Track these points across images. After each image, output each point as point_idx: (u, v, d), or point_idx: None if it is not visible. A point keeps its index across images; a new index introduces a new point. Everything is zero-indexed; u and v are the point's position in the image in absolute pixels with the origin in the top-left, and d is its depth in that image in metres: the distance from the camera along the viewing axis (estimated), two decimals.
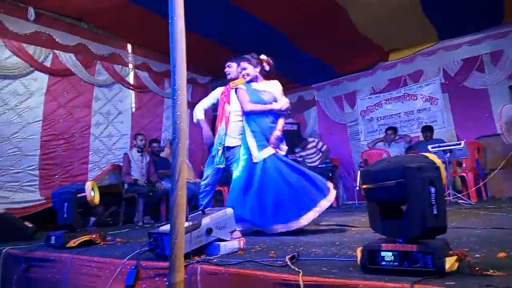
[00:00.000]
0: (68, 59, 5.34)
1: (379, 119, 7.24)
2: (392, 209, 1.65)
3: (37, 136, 5.01)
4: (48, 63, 5.15)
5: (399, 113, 7.04)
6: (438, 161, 1.56)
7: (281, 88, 3.49)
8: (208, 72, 7.48)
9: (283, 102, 3.40)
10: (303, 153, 6.88)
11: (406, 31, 6.18)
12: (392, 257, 1.52)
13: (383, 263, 1.54)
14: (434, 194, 1.48)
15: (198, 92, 7.08)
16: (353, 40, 6.13)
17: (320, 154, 6.70)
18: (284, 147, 3.44)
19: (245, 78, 3.50)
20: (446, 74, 6.59)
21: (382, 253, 1.54)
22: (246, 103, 3.37)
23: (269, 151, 3.26)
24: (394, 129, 6.49)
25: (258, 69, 3.46)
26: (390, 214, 1.65)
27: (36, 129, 5.01)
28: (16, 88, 4.85)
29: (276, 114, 3.38)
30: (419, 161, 1.53)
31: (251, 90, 3.43)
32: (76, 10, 5.17)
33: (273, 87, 3.46)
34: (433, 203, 1.48)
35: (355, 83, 7.56)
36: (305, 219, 3.09)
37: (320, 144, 6.78)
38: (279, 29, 5.73)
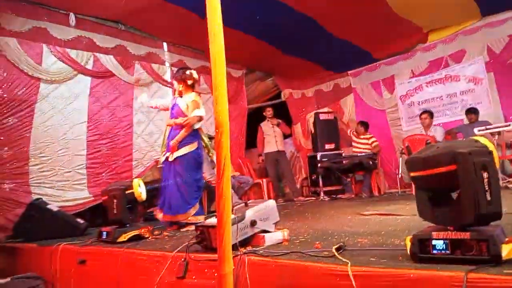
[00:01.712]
0: (108, 61, 5.53)
1: (420, 103, 6.97)
2: (442, 196, 1.61)
3: (83, 136, 5.24)
4: (90, 66, 5.36)
5: (441, 96, 6.74)
6: (490, 145, 1.50)
7: (195, 100, 3.85)
8: (242, 65, 7.51)
9: (188, 118, 3.75)
10: (354, 140, 6.89)
11: (445, 10, 5.89)
12: (444, 245, 1.48)
13: (435, 251, 1.50)
14: (487, 179, 1.43)
15: (232, 85, 7.14)
16: (389, 22, 5.92)
17: (369, 147, 6.63)
18: (184, 150, 3.76)
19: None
20: (491, 52, 6.22)
21: (433, 242, 1.51)
22: (167, 119, 4.09)
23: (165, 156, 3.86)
24: (429, 113, 6.24)
25: (181, 85, 3.93)
26: (440, 201, 1.60)
27: (82, 130, 5.24)
28: (62, 92, 5.08)
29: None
30: (470, 146, 1.48)
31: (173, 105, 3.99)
32: (114, 13, 5.33)
33: (184, 101, 3.88)
34: (486, 188, 1.43)
35: (393, 67, 7.30)
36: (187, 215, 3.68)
37: (373, 139, 6.71)
38: (311, 16, 5.63)
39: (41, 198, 4.55)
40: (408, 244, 1.61)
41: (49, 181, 4.86)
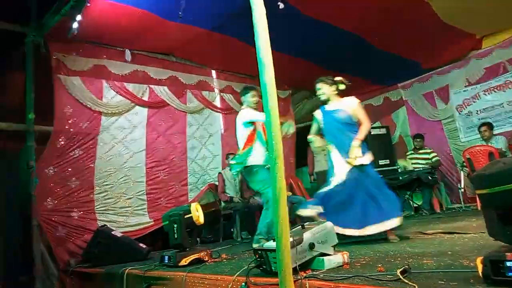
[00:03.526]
0: (162, 92, 5.85)
1: (479, 112, 6.61)
2: None
3: (142, 164, 5.53)
4: (146, 98, 5.70)
5: (502, 103, 6.35)
6: None
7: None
8: (288, 86, 7.58)
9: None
10: (412, 156, 6.68)
11: (498, 13, 5.60)
12: None
13: (510, 274, 1.41)
14: None
15: (280, 106, 7.09)
16: (438, 31, 5.72)
17: (429, 162, 6.38)
18: None
19: None
20: None
21: (508, 263, 1.42)
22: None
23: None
24: (489, 125, 5.88)
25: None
26: (511, 220, 1.51)
27: (141, 158, 5.53)
28: (121, 123, 5.43)
29: None
30: None
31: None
32: (165, 46, 5.65)
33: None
34: None
35: (447, 77, 7.01)
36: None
37: (433, 154, 6.46)
38: (356, 32, 5.60)
39: (105, 225, 4.82)
40: (479, 265, 1.53)
41: (113, 208, 5.14)
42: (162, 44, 5.58)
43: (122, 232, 4.80)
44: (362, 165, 3.34)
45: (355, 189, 3.31)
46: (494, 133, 5.91)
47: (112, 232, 4.57)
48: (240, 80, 6.79)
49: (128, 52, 5.50)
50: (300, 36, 5.52)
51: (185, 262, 3.13)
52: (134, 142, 5.49)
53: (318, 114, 3.73)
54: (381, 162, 6.98)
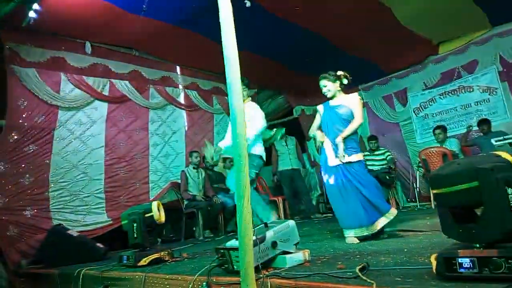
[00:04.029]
0: (124, 86, 5.67)
1: (435, 115, 6.93)
2: (466, 213, 1.59)
3: (101, 161, 5.34)
4: (106, 92, 5.51)
5: (456, 107, 6.70)
6: None
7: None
8: (253, 84, 7.57)
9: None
10: (368, 157, 6.78)
11: (454, 22, 5.90)
12: (471, 263, 1.46)
13: (461, 270, 1.48)
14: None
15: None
16: (399, 36, 5.94)
17: (385, 162, 6.55)
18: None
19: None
20: (504, 61, 6.18)
21: (460, 260, 1.49)
22: None
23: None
24: (443, 128, 6.19)
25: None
26: (463, 218, 1.58)
27: (100, 154, 5.34)
28: (80, 118, 5.22)
29: None
30: (491, 161, 1.47)
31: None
32: (128, 40, 5.48)
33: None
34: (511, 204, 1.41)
35: (405, 80, 7.30)
36: None
37: (387, 153, 6.64)
38: (321, 33, 5.70)
39: (61, 224, 4.61)
40: (433, 262, 1.59)
41: (69, 206, 4.94)
42: (124, 37, 5.40)
43: (78, 231, 4.63)
44: (350, 162, 3.29)
45: (345, 189, 3.26)
46: (447, 135, 6.22)
47: (68, 231, 4.40)
48: (206, 77, 6.73)
49: (88, 45, 5.30)
50: (265, 35, 5.53)
51: (145, 262, 3.05)
52: (92, 137, 5.29)
53: (320, 108, 3.65)
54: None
